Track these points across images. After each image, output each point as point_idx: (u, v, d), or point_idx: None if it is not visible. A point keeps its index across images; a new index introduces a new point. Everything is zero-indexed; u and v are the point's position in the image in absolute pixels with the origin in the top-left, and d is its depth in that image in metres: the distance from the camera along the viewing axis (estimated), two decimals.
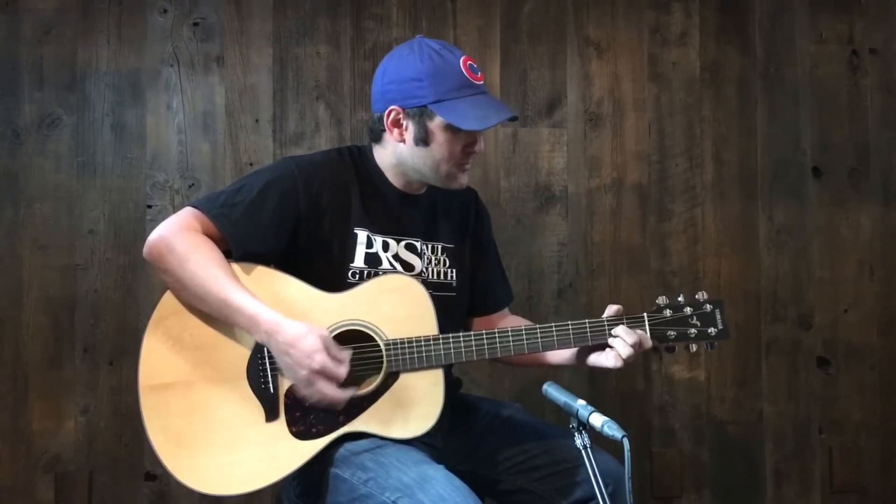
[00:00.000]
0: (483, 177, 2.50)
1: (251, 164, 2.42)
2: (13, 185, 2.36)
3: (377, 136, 1.72)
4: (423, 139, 1.65)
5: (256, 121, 2.45)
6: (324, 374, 1.49)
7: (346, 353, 1.53)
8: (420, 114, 1.63)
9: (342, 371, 1.51)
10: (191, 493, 1.55)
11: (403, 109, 1.64)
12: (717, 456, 2.60)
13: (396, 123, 1.66)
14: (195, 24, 2.44)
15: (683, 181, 2.61)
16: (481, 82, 1.68)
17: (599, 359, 1.66)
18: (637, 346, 1.63)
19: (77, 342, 2.36)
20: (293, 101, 2.47)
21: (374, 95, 1.72)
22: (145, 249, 1.59)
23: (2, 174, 2.36)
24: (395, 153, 1.70)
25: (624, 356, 1.62)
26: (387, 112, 1.66)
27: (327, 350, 1.49)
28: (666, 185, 2.60)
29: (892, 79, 2.72)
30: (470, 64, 1.66)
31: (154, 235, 1.58)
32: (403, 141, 1.67)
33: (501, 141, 2.54)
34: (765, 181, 2.65)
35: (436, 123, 1.63)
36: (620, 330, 1.63)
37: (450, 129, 1.63)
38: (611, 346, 1.64)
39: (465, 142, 1.66)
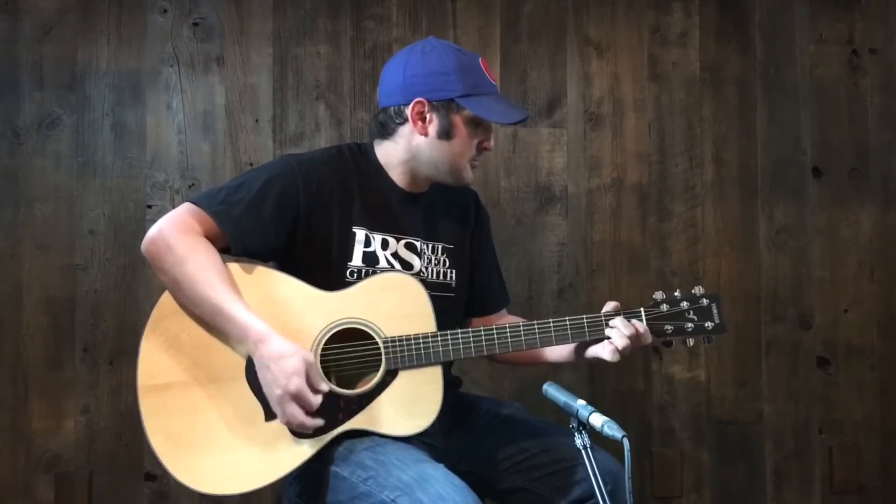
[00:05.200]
0: (483, 177, 2.50)
1: (251, 164, 2.42)
2: (13, 185, 2.36)
3: (389, 130, 1.72)
4: (447, 132, 1.67)
5: (256, 121, 2.46)
6: (297, 399, 1.48)
7: (324, 386, 1.52)
8: (447, 107, 1.66)
9: (315, 402, 1.49)
10: (190, 493, 1.55)
11: (429, 102, 1.66)
12: (717, 456, 2.59)
13: (421, 116, 1.67)
14: (195, 24, 2.44)
15: (683, 181, 2.61)
16: (496, 83, 1.73)
17: (597, 350, 1.66)
18: (634, 338, 1.63)
19: (77, 342, 2.36)
20: (293, 101, 2.47)
21: (390, 88, 1.71)
22: (143, 245, 1.59)
23: (2, 174, 2.36)
24: (411, 147, 1.70)
25: (620, 347, 1.61)
26: (412, 104, 1.66)
27: (308, 376, 1.49)
28: (666, 185, 2.60)
29: (892, 79, 2.72)
30: (486, 65, 1.72)
31: (153, 232, 1.57)
32: (426, 134, 1.68)
33: (501, 141, 2.54)
34: (765, 181, 2.65)
35: (461, 117, 1.66)
36: (618, 321, 1.64)
37: (471, 123, 1.67)
38: (608, 338, 1.64)
39: (480, 137, 1.70)
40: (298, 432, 1.54)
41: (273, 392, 1.49)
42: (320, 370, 1.55)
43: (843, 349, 2.66)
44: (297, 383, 1.47)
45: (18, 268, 2.35)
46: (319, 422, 1.52)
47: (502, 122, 1.69)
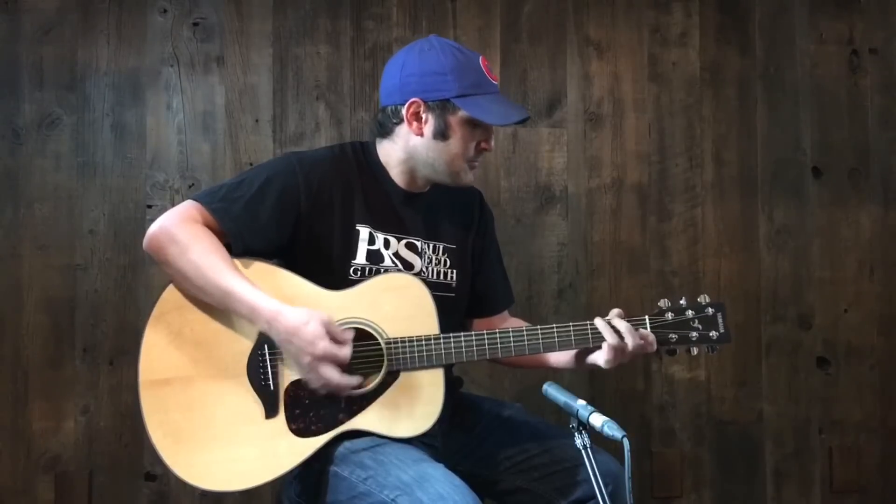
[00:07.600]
0: (483, 177, 2.50)
1: (251, 165, 2.42)
2: (13, 185, 2.36)
3: (388, 129, 1.72)
4: (443, 133, 1.66)
5: (256, 121, 2.45)
6: (327, 359, 1.49)
7: (348, 334, 1.53)
8: (442, 107, 1.65)
9: (345, 353, 1.50)
10: (191, 493, 1.56)
11: (425, 102, 1.65)
12: (717, 456, 2.59)
13: (416, 116, 1.66)
14: (195, 24, 2.44)
15: (683, 181, 2.61)
16: (497, 82, 1.71)
17: (594, 356, 1.66)
18: (639, 347, 1.62)
19: (77, 342, 2.36)
20: (293, 101, 2.47)
21: (388, 88, 1.71)
22: (146, 241, 1.59)
23: (2, 174, 2.36)
24: (408, 147, 1.70)
25: (612, 342, 1.59)
26: (408, 104, 1.65)
27: (329, 335, 1.49)
28: (666, 185, 2.60)
29: (892, 79, 2.72)
30: (487, 64, 1.70)
31: (155, 227, 1.57)
32: (421, 134, 1.67)
33: (501, 141, 2.54)
34: (765, 181, 2.65)
35: (457, 118, 1.65)
36: (622, 324, 1.62)
37: (469, 124, 1.66)
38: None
39: (479, 138, 1.69)
40: (333, 398, 1.55)
41: (302, 361, 1.50)
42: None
43: (843, 349, 2.66)
44: (324, 345, 1.48)
45: (18, 268, 2.35)
46: (356, 379, 1.53)
47: (498, 123, 1.67)
